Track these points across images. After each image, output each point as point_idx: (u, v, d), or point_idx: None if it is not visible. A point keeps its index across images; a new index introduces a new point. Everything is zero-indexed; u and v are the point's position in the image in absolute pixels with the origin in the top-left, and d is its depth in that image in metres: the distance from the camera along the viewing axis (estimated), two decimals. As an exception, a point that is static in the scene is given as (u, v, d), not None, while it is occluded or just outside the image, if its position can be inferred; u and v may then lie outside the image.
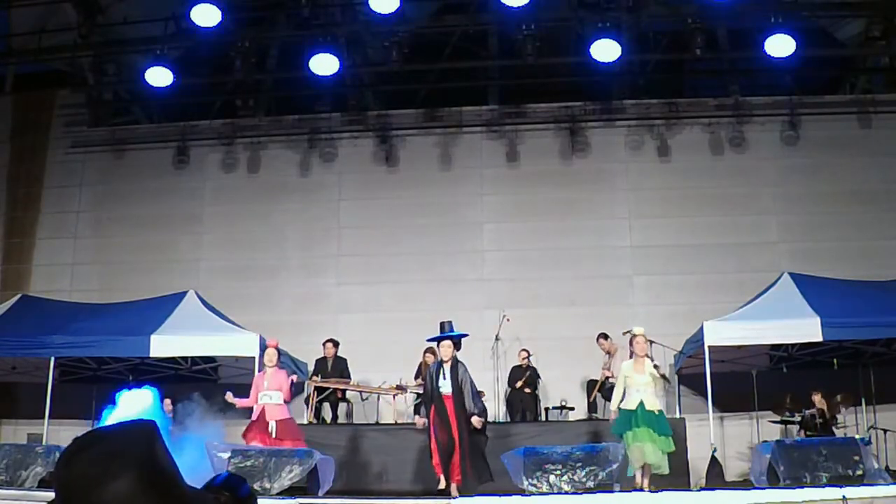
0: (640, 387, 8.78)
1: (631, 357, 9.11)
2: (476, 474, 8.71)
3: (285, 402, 9.46)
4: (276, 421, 9.24)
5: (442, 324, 9.37)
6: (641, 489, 8.51)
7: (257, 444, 9.02)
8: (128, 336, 11.66)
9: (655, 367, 8.93)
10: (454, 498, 8.31)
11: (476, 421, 8.88)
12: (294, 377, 9.92)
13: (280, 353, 9.99)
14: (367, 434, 11.29)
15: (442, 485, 8.67)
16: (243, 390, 9.73)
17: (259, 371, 10.00)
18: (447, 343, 9.13)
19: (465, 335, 9.50)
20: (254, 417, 9.35)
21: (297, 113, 15.10)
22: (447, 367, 9.04)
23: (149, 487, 1.30)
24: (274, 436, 9.15)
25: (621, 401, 8.96)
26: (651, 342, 11.55)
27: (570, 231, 14.11)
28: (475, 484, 8.67)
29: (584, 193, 14.30)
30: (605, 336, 12.20)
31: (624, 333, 11.49)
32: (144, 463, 1.32)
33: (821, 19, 13.93)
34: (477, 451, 8.84)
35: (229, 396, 9.48)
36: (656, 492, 8.29)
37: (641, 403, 8.67)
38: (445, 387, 8.94)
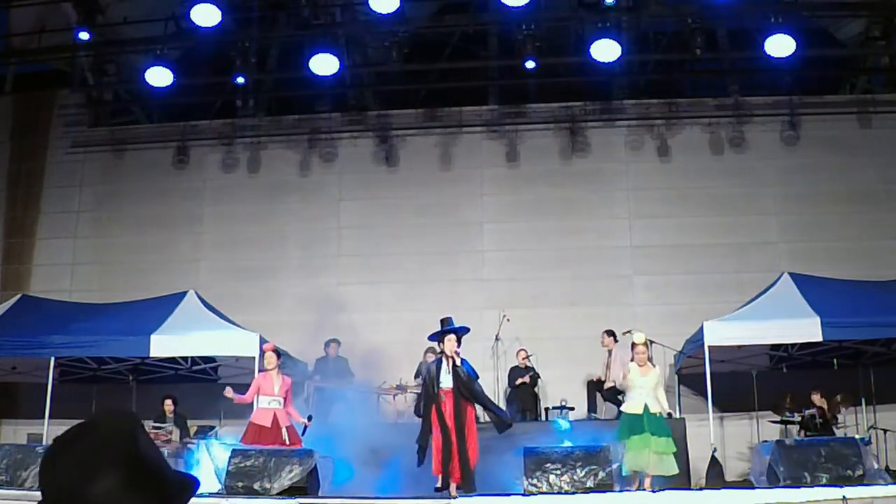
0: (644, 389, 8.80)
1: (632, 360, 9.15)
2: (471, 484, 8.53)
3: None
4: (287, 427, 9.27)
5: (443, 319, 9.21)
6: (643, 489, 8.52)
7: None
8: (128, 336, 11.65)
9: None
10: (454, 498, 8.29)
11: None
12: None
13: (279, 353, 9.95)
14: (367, 434, 11.25)
15: (439, 483, 8.59)
16: (242, 390, 9.70)
17: (260, 371, 9.96)
18: (452, 337, 8.92)
19: (468, 329, 9.33)
20: (265, 423, 9.25)
21: (297, 113, 15.09)
22: (449, 363, 8.80)
23: (135, 483, 1.30)
24: (287, 442, 9.14)
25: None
26: (651, 342, 11.56)
27: (570, 231, 14.11)
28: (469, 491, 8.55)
29: (584, 193, 14.31)
30: (611, 332, 12.13)
31: (624, 333, 11.51)
32: (130, 458, 1.31)
33: (821, 19, 13.95)
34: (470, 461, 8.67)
35: (229, 391, 9.41)
36: (656, 492, 8.30)
37: (646, 407, 8.69)
38: (446, 382, 8.74)
